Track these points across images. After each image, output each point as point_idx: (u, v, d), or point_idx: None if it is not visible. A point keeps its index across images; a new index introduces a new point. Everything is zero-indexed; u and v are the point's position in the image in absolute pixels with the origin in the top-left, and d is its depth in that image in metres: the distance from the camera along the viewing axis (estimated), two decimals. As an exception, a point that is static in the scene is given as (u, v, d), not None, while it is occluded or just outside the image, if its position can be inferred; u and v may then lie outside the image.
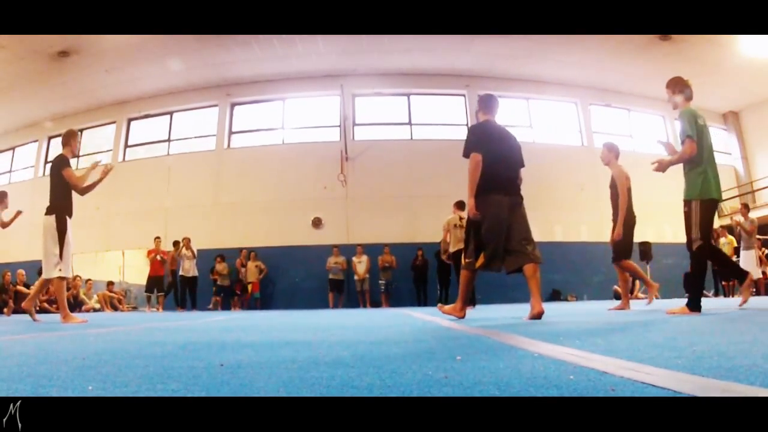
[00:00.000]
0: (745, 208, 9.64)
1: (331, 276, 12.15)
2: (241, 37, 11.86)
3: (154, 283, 11.56)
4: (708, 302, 7.13)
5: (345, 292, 12.34)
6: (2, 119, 15.10)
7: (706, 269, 4.14)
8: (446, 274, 10.45)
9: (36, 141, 15.77)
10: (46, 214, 5.04)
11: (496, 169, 3.92)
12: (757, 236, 12.36)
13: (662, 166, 4.23)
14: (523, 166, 4.18)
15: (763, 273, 11.60)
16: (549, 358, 1.51)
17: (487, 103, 4.31)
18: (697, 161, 4.05)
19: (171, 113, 14.77)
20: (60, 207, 5.05)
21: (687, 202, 4.15)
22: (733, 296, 10.07)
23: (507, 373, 1.26)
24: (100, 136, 15.34)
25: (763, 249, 11.81)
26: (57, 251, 4.94)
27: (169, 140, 14.65)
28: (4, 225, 6.05)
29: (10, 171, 16.22)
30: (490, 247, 3.85)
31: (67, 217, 5.08)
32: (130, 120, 15.02)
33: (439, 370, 1.32)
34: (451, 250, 8.05)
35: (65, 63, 12.08)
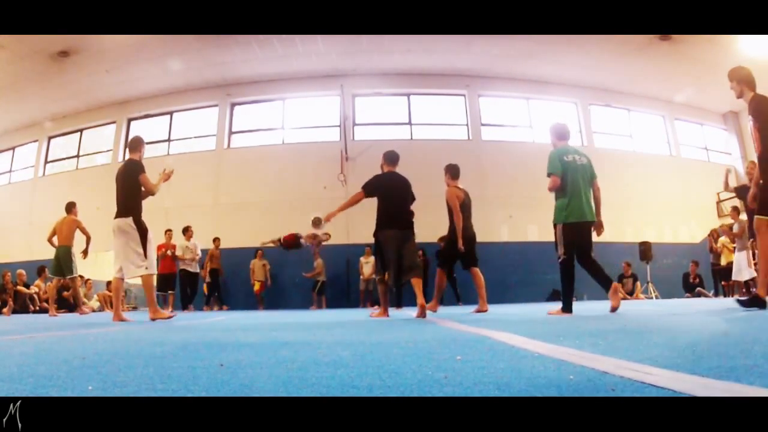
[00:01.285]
0: (735, 211, 9.64)
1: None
2: (241, 37, 11.86)
3: (165, 281, 10.66)
4: (695, 302, 7.13)
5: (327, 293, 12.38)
6: (2, 119, 15.09)
7: (572, 278, 4.86)
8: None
9: (36, 141, 15.76)
10: (121, 216, 5.16)
11: (391, 211, 5.22)
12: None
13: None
14: (414, 200, 5.44)
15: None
16: (549, 358, 1.51)
17: (391, 157, 5.60)
18: (562, 193, 4.84)
19: (171, 113, 14.77)
20: (136, 209, 5.20)
21: (554, 225, 4.94)
22: (732, 296, 10.07)
23: (507, 373, 1.26)
24: (100, 136, 15.35)
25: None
26: (141, 250, 5.08)
27: (169, 140, 14.65)
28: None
29: (10, 171, 16.22)
30: (390, 267, 5.14)
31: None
32: (130, 120, 15.02)
33: (439, 370, 1.32)
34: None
35: (65, 63, 12.08)
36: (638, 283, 12.60)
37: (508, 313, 5.42)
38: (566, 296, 4.87)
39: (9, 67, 11.95)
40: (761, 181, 4.07)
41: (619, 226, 13.30)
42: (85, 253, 8.40)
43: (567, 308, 4.85)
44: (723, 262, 11.27)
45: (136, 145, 5.50)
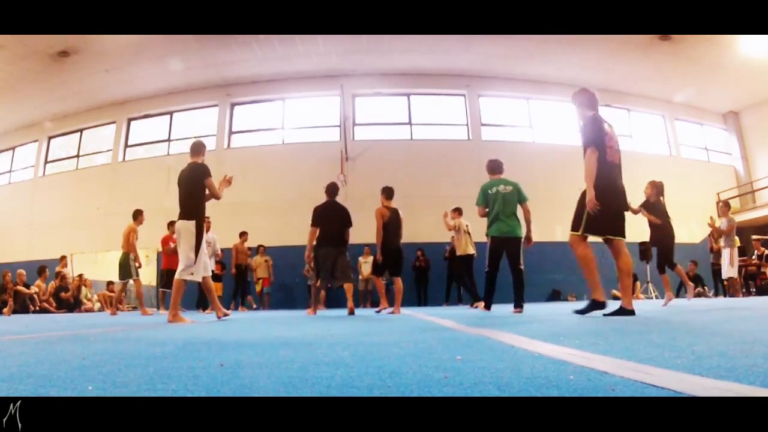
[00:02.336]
0: (726, 206, 9.64)
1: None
2: (241, 37, 11.86)
3: (168, 278, 10.35)
4: (695, 302, 7.13)
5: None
6: (2, 119, 15.10)
7: (493, 285, 5.86)
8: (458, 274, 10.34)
9: (36, 141, 15.77)
10: (185, 219, 5.17)
11: (327, 233, 6.66)
12: (756, 236, 12.39)
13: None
14: (350, 226, 6.78)
15: (763, 273, 11.60)
16: (549, 358, 1.51)
17: (331, 190, 6.91)
18: (490, 218, 5.88)
19: (171, 113, 14.77)
20: (200, 213, 5.21)
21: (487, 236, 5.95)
22: (729, 295, 10.07)
23: (507, 373, 1.26)
24: (100, 136, 15.35)
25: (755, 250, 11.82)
26: (193, 255, 5.06)
27: (169, 140, 14.65)
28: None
29: (10, 171, 16.23)
30: (322, 275, 6.65)
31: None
32: (130, 120, 15.02)
33: (439, 370, 1.32)
34: (461, 253, 8.73)
35: (65, 63, 12.08)
36: (638, 283, 12.60)
37: (508, 313, 5.42)
38: (489, 296, 6.03)
39: (9, 67, 11.95)
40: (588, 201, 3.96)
41: (618, 226, 13.30)
42: (138, 263, 8.90)
43: (488, 305, 6.03)
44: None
45: (198, 149, 5.54)
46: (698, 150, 16.06)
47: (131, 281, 8.90)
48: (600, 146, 3.88)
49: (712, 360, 1.37)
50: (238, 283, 11.47)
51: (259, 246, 12.24)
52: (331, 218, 6.73)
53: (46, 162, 15.68)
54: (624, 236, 4.12)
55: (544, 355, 1.58)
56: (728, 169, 16.13)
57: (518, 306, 5.64)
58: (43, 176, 15.57)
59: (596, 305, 3.95)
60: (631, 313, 3.86)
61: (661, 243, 7.05)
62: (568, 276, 12.87)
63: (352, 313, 6.50)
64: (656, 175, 14.31)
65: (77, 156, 15.41)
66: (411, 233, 12.81)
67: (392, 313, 6.90)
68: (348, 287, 6.72)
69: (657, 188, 7.37)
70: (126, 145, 14.94)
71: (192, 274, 5.07)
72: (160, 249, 10.20)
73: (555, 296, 12.61)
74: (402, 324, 3.92)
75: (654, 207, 7.14)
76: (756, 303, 6.31)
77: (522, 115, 14.73)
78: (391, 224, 6.95)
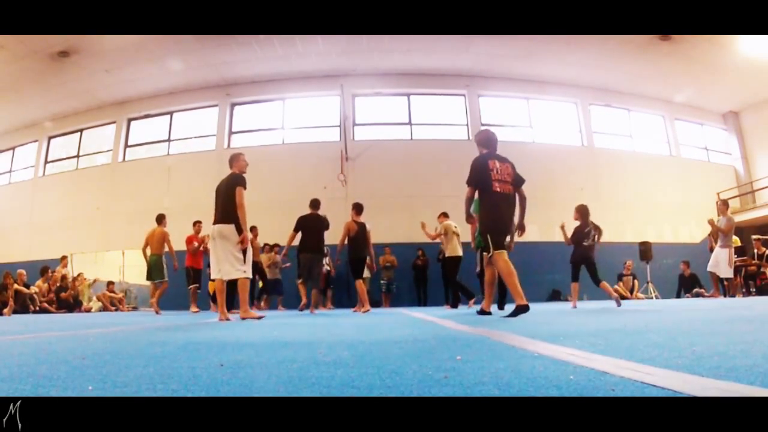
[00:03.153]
0: (724, 205, 9.65)
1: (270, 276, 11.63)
2: (241, 37, 11.85)
3: (195, 275, 9.83)
4: (695, 302, 7.11)
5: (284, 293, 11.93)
6: (2, 119, 15.10)
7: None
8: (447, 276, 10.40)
9: (36, 141, 15.77)
10: (224, 222, 5.61)
11: (306, 241, 7.84)
12: (756, 236, 12.38)
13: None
14: (327, 229, 8.06)
15: (763, 273, 11.59)
16: (549, 358, 1.51)
17: (313, 203, 8.09)
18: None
19: (171, 113, 14.76)
20: (238, 217, 5.59)
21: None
22: (732, 295, 10.07)
23: (507, 373, 1.26)
24: (100, 136, 15.35)
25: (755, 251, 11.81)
26: (241, 255, 5.48)
27: (169, 140, 14.64)
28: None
29: (10, 171, 16.23)
30: (303, 276, 7.96)
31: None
32: (130, 120, 15.02)
33: (439, 370, 1.32)
34: (450, 254, 8.78)
35: (65, 63, 12.08)
36: (636, 282, 12.61)
37: (507, 313, 5.41)
38: (455, 296, 8.38)
39: (9, 67, 11.95)
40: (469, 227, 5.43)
41: (619, 226, 13.31)
42: (175, 267, 9.26)
43: (455, 305, 7.65)
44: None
45: (235, 160, 6.08)
46: (698, 150, 16.06)
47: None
48: (480, 183, 4.71)
49: (712, 360, 1.37)
50: (254, 282, 10.93)
51: (265, 245, 12.20)
52: (310, 228, 7.84)
53: (46, 162, 15.68)
54: (507, 249, 4.83)
55: (544, 355, 1.58)
56: (728, 169, 16.12)
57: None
58: (43, 176, 15.57)
59: (521, 309, 4.40)
60: (526, 308, 4.42)
61: (585, 262, 7.42)
62: (567, 276, 12.87)
63: (310, 310, 8.00)
64: (656, 174, 14.44)
65: (77, 156, 15.40)
66: (411, 233, 12.86)
67: (364, 311, 7.62)
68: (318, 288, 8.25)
69: (581, 212, 7.60)
70: (126, 145, 14.93)
71: (245, 272, 5.46)
72: (185, 248, 9.88)
73: (555, 296, 12.60)
74: (402, 324, 3.92)
75: (578, 234, 7.51)
76: (756, 303, 6.30)
77: (522, 115, 14.73)
78: (359, 237, 7.91)
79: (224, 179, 5.92)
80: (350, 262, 8.09)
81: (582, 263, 7.44)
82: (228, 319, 5.33)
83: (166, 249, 9.20)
